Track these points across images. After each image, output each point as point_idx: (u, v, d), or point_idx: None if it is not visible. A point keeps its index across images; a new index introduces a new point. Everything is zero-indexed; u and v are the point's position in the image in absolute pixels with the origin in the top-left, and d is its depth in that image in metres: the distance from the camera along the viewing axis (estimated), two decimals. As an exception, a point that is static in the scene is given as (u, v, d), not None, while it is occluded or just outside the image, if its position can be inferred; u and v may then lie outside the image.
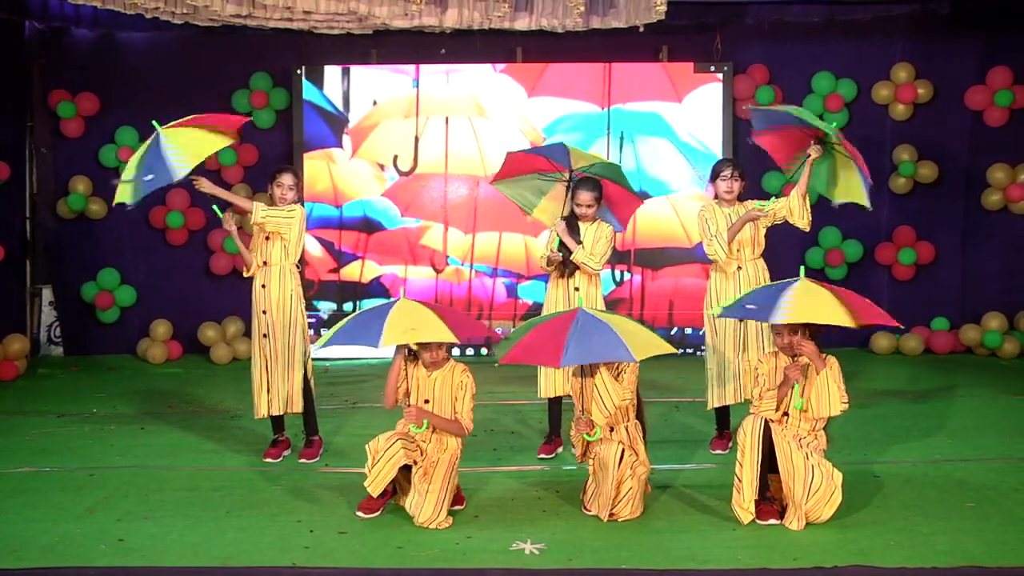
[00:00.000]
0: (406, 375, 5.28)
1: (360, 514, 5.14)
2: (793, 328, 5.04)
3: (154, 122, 5.96)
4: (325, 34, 8.06)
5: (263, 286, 6.15)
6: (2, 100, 9.27)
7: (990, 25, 9.59)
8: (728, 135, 9.62)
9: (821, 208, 9.78)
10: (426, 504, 5.00)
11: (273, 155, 9.78)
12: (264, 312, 6.13)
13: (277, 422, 6.27)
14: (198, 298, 9.86)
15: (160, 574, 4.52)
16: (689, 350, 9.48)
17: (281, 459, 6.18)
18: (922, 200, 9.77)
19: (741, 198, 6.26)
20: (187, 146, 5.85)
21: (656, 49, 9.66)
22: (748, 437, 4.95)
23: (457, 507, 5.22)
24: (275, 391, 6.12)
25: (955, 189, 9.79)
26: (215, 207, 6.20)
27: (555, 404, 6.30)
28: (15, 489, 5.63)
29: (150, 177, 5.74)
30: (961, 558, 4.52)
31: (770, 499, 5.00)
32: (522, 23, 7.63)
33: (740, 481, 4.96)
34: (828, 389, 5.02)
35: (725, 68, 9.61)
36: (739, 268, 6.16)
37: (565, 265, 6.10)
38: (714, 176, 6.27)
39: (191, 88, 9.72)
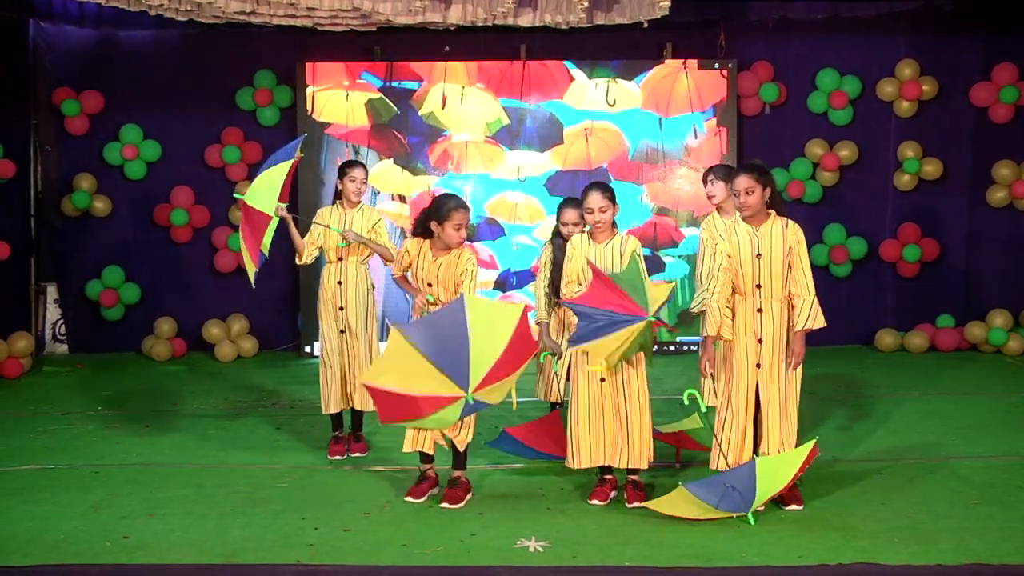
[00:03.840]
0: (410, 252, 5.38)
1: (409, 499, 5.29)
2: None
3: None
4: (329, 31, 8.05)
5: (339, 282, 6.16)
6: (6, 98, 9.27)
7: (995, 21, 9.57)
8: (733, 133, 9.60)
9: (827, 205, 9.86)
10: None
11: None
12: (341, 308, 6.15)
13: (337, 418, 6.32)
14: (202, 296, 9.87)
15: (165, 571, 4.52)
16: (695, 347, 9.47)
17: (346, 456, 6.24)
18: (927, 197, 9.75)
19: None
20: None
21: (660, 46, 9.65)
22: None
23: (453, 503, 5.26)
24: (359, 386, 6.12)
25: (960, 186, 9.77)
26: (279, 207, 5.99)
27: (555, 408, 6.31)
28: (20, 487, 5.64)
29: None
30: (966, 556, 4.51)
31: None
32: (526, 19, 7.61)
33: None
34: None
35: (729, 65, 9.60)
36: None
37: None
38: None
39: (195, 85, 9.74)
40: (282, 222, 5.96)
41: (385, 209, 9.55)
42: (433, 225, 5.30)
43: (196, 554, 4.66)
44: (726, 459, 5.18)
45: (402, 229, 9.49)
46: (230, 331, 9.70)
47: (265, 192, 5.86)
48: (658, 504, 4.96)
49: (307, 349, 9.68)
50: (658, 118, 9.65)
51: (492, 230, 9.72)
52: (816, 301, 5.16)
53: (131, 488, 5.61)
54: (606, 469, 5.38)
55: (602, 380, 5.26)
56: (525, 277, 9.65)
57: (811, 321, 5.14)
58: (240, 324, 9.73)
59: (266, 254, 5.86)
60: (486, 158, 9.72)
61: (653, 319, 5.03)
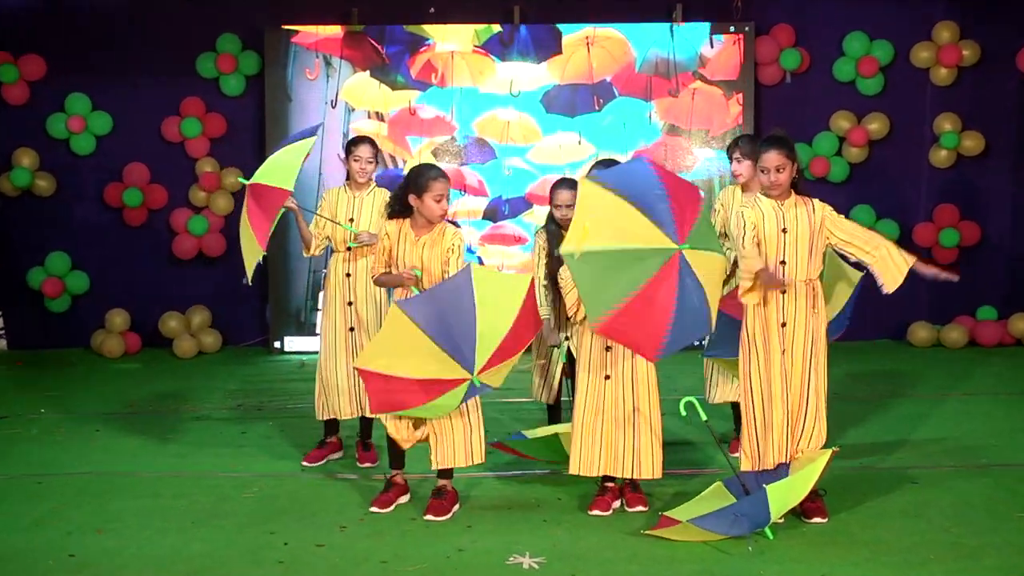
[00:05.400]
0: (390, 236, 5.37)
1: (375, 509, 5.33)
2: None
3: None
4: (300, -10, 8.04)
5: (348, 275, 6.09)
6: (-63, 64, 9.26)
7: (1043, -21, 9.59)
8: (749, 104, 9.60)
9: (855, 184, 9.87)
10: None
11: (242, 126, 9.78)
12: (350, 304, 6.09)
13: (332, 425, 6.29)
14: (159, 285, 9.86)
15: (116, 592, 4.53)
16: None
17: (325, 462, 6.22)
18: (966, 175, 9.77)
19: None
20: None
21: (669, 8, 9.63)
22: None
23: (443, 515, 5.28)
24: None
25: (1003, 162, 9.79)
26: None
27: (555, 412, 6.31)
28: (-46, 498, 5.63)
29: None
30: (1011, 575, 4.51)
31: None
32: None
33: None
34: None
35: (746, 29, 9.59)
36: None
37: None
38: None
39: (150, 50, 9.72)
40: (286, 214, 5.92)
41: (361, 128, 9.54)
42: (412, 199, 5.30)
43: (152, 573, 4.64)
44: (758, 459, 5.18)
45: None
46: (190, 324, 9.68)
47: (281, 170, 5.77)
48: (666, 533, 4.96)
49: (276, 344, 9.68)
50: (669, 25, 9.60)
51: (481, 152, 9.68)
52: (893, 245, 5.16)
53: (79, 500, 5.60)
54: (608, 476, 5.38)
55: (607, 378, 5.26)
56: (517, 205, 9.64)
57: (907, 259, 5.11)
58: (201, 317, 9.72)
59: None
60: (475, 70, 9.65)
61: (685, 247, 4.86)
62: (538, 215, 9.31)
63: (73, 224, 9.81)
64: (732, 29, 9.59)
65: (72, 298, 9.80)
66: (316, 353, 6.28)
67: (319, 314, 6.28)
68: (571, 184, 5.73)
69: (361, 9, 9.64)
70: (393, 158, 9.64)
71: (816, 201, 5.21)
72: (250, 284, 6.05)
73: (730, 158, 6.04)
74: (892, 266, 5.10)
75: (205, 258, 9.85)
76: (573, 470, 5.33)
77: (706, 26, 9.57)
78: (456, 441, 5.30)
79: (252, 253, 5.80)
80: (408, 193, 5.30)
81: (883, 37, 9.68)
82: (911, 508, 5.30)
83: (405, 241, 5.34)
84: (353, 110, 9.64)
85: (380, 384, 5.01)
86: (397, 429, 5.29)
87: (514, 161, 9.67)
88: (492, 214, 9.68)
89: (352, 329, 6.11)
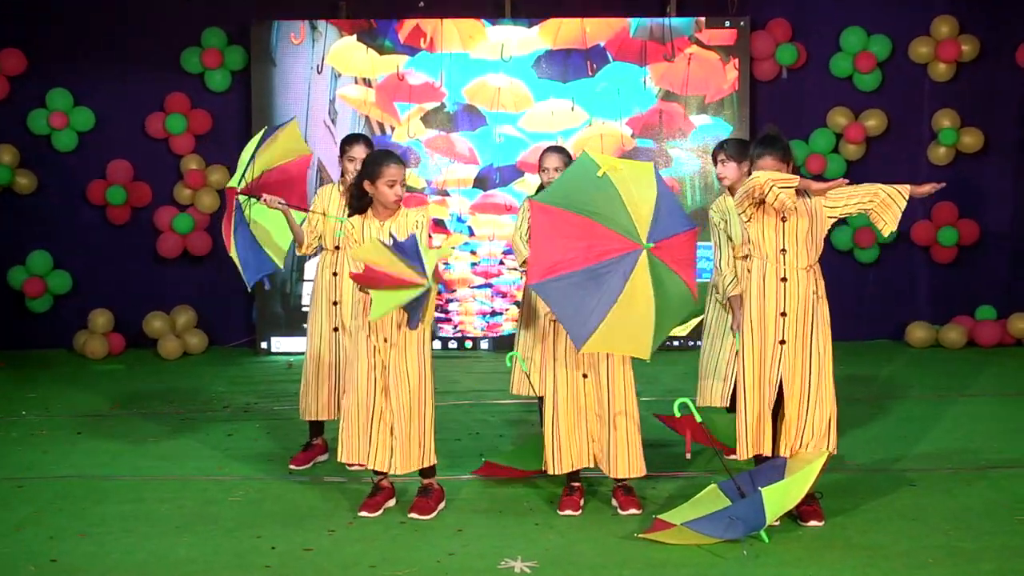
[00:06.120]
0: (355, 227, 5.40)
1: (364, 513, 5.34)
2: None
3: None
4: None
5: (334, 274, 6.09)
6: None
7: (1045, -28, 9.62)
8: (744, 100, 9.61)
9: (851, 180, 9.78)
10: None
11: (228, 122, 9.76)
12: (335, 304, 6.09)
13: (316, 427, 6.32)
14: (143, 285, 9.84)
15: (100, 598, 4.53)
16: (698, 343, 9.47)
17: (312, 464, 6.23)
18: (965, 172, 9.79)
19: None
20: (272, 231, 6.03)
21: (662, 2, 9.64)
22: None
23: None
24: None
25: (1003, 160, 9.82)
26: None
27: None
28: (-67, 502, 5.62)
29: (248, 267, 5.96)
30: (1010, 578, 4.54)
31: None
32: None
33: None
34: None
35: (741, 23, 9.60)
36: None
37: None
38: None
39: (134, 45, 9.70)
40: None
41: (347, 95, 9.53)
42: (367, 185, 5.38)
43: (135, 578, 4.64)
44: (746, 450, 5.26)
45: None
46: (175, 325, 9.67)
47: (238, 168, 5.86)
48: (661, 536, 4.96)
49: (263, 345, 9.67)
50: (663, 21, 9.60)
51: (471, 119, 9.65)
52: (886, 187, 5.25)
53: (61, 504, 5.58)
54: (573, 476, 5.44)
55: (584, 376, 5.29)
56: (509, 173, 9.63)
57: (905, 189, 5.23)
58: (187, 317, 9.71)
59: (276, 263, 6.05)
60: (464, 35, 9.63)
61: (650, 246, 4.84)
62: (530, 183, 9.32)
63: (55, 222, 9.78)
64: (727, 24, 9.59)
65: (54, 298, 9.78)
66: (304, 354, 6.28)
67: (309, 313, 6.26)
68: (559, 149, 6.04)
69: (349, 3, 9.63)
70: (381, 125, 9.63)
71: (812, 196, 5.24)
72: (249, 289, 6.12)
73: (715, 161, 6.00)
74: (893, 204, 5.24)
75: (190, 257, 9.83)
76: (551, 470, 5.37)
77: (701, 20, 9.57)
78: (412, 446, 5.33)
79: (277, 246, 6.00)
80: (363, 181, 5.39)
81: (881, 32, 9.69)
82: (909, 511, 5.31)
83: (369, 229, 5.38)
84: (339, 76, 9.61)
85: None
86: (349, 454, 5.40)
87: (505, 128, 9.65)
88: (483, 182, 9.65)
89: (336, 329, 6.11)
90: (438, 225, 9.54)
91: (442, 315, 9.60)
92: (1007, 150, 9.81)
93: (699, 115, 9.62)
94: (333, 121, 9.60)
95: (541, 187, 6.06)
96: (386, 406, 5.31)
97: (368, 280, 5.02)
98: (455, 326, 9.68)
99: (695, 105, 9.63)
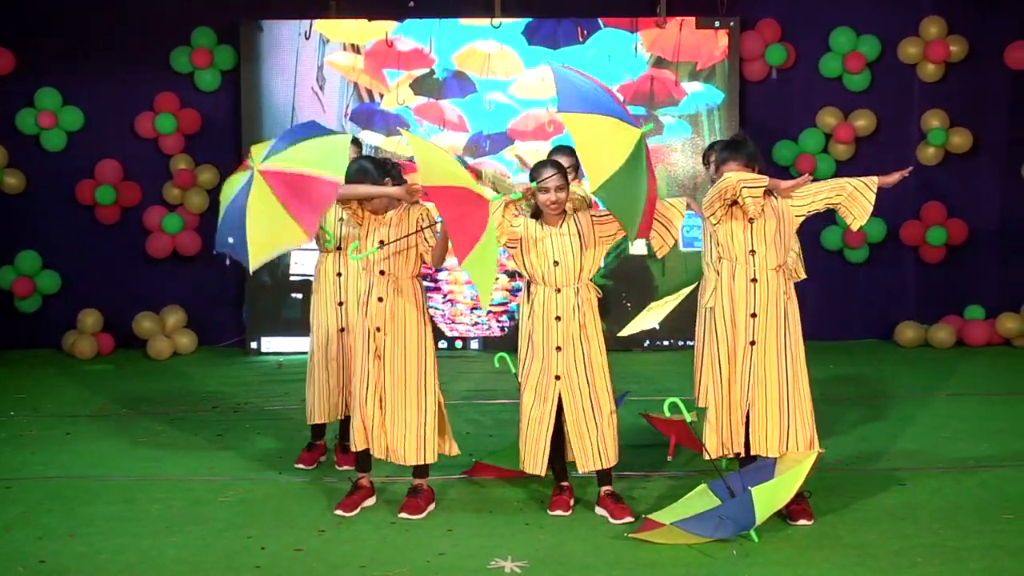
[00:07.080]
0: (354, 214, 5.34)
1: (340, 512, 5.33)
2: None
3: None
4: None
5: (339, 274, 6.06)
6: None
7: (1033, -27, 9.65)
8: (734, 101, 9.62)
9: (815, 178, 9.82)
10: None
11: (218, 122, 9.74)
12: (341, 304, 6.05)
13: (319, 430, 6.27)
14: (132, 285, 9.82)
15: (89, 598, 4.52)
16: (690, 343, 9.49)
17: (316, 465, 6.21)
18: (954, 172, 9.82)
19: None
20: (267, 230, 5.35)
21: (652, 2, 9.65)
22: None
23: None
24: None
25: (992, 160, 9.85)
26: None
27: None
28: (-78, 503, 5.60)
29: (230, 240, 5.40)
30: (998, 576, 4.55)
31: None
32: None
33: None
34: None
35: (731, 24, 9.62)
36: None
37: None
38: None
39: (123, 44, 9.68)
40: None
41: (335, 61, 9.53)
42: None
43: (125, 579, 4.64)
44: (722, 451, 5.29)
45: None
46: (165, 325, 9.65)
47: (328, 160, 5.21)
48: (651, 536, 4.97)
49: (253, 345, 9.65)
50: (653, 21, 9.60)
51: (461, 86, 9.62)
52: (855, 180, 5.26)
53: (50, 504, 5.57)
54: (563, 476, 5.45)
55: (557, 378, 5.28)
56: (499, 141, 9.62)
57: (873, 182, 5.23)
58: (176, 317, 9.69)
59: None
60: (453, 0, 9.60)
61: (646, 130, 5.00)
62: (520, 151, 9.36)
63: (44, 222, 9.75)
64: (717, 24, 9.61)
65: (43, 298, 9.75)
66: (294, 354, 6.25)
67: (312, 315, 6.19)
68: (563, 150, 5.89)
69: (339, 2, 9.62)
70: (370, 92, 9.61)
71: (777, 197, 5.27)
72: (251, 273, 5.73)
73: (705, 164, 6.05)
74: (861, 198, 5.21)
75: (180, 257, 9.81)
76: (528, 469, 5.38)
77: (691, 20, 9.58)
78: (408, 439, 5.35)
79: (265, 242, 5.24)
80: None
81: (870, 32, 9.72)
82: (898, 510, 5.32)
83: (366, 221, 5.36)
84: (328, 42, 9.58)
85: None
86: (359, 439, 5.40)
87: (495, 95, 9.62)
88: (472, 150, 9.61)
89: (343, 330, 6.07)
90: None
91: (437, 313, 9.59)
92: (996, 150, 9.84)
93: (691, 81, 9.62)
94: (321, 88, 9.57)
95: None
96: (383, 395, 5.33)
97: (445, 199, 4.88)
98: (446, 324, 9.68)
99: (687, 71, 9.62)
